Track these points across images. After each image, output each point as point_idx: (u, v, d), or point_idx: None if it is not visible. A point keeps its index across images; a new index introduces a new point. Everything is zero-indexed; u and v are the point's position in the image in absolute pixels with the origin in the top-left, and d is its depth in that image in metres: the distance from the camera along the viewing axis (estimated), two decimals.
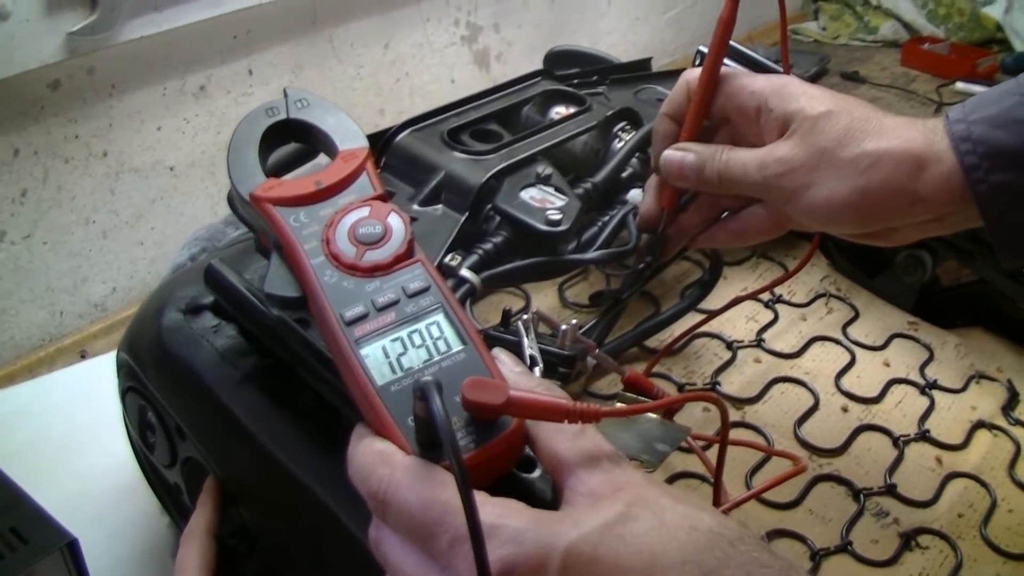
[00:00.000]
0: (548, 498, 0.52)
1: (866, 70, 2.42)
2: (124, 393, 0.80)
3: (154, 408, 0.76)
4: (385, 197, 0.58)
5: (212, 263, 0.69)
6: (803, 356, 0.95)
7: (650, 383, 0.73)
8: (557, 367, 0.67)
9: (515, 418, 0.49)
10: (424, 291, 0.54)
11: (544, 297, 0.98)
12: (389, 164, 0.86)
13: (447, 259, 0.73)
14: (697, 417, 0.84)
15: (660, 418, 0.69)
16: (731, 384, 0.90)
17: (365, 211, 0.56)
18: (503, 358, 0.55)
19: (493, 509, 0.45)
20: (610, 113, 0.91)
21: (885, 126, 0.62)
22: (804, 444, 0.85)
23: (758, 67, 0.96)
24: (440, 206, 0.80)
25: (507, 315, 0.69)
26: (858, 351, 0.96)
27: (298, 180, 0.58)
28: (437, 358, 0.51)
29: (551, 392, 0.52)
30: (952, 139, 0.60)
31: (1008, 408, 0.92)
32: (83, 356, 1.36)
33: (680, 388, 0.88)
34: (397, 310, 0.53)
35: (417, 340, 0.52)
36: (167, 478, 0.83)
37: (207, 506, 0.70)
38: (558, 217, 0.76)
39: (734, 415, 0.87)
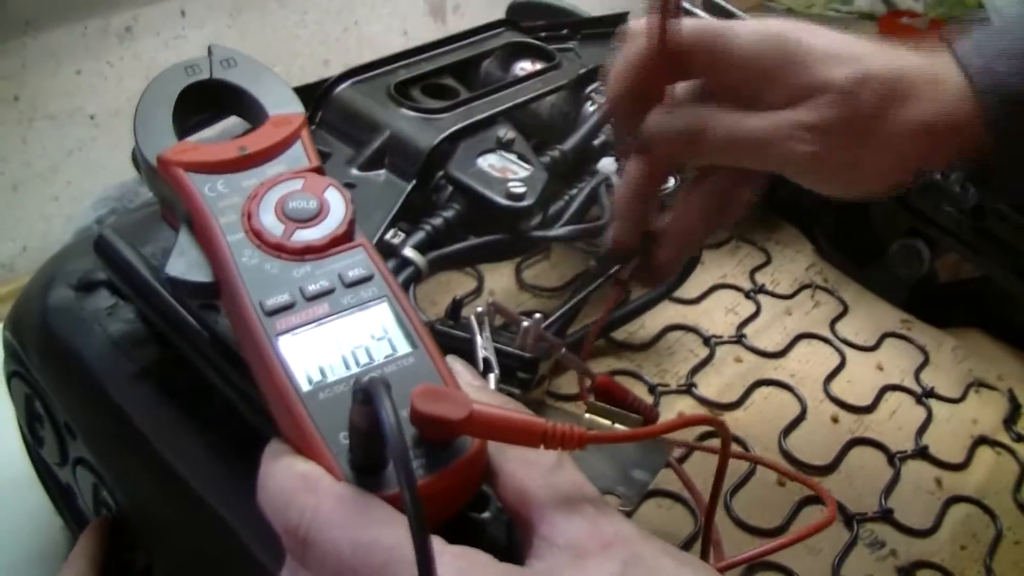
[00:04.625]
0: (504, 546, 0.42)
1: None
2: (9, 378, 0.69)
3: (41, 399, 0.65)
4: (322, 170, 0.49)
5: (103, 232, 0.58)
6: (788, 356, 0.84)
7: (625, 390, 0.61)
8: (516, 372, 0.55)
9: (476, 441, 0.39)
10: (366, 280, 0.44)
11: (500, 277, 0.86)
12: (326, 121, 0.75)
13: (388, 235, 0.62)
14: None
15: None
16: (708, 386, 0.79)
17: (297, 184, 0.47)
18: (458, 368, 0.45)
19: (453, 561, 0.35)
20: (582, 71, 0.80)
21: (914, 84, 0.53)
22: (791, 459, 0.74)
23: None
24: (383, 171, 0.70)
25: (456, 305, 0.58)
26: (848, 352, 0.86)
27: (217, 144, 0.48)
28: (379, 361, 0.41)
29: (519, 410, 0.41)
30: (976, 84, 0.52)
31: (1010, 422, 0.83)
32: None
33: (652, 389, 0.77)
34: (331, 301, 0.43)
35: (355, 339, 0.42)
36: (59, 477, 0.71)
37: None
38: (521, 190, 0.65)
39: None
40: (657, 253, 0.61)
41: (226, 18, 1.41)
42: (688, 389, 0.78)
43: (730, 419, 0.77)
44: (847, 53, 0.53)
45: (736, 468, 0.72)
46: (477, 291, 0.83)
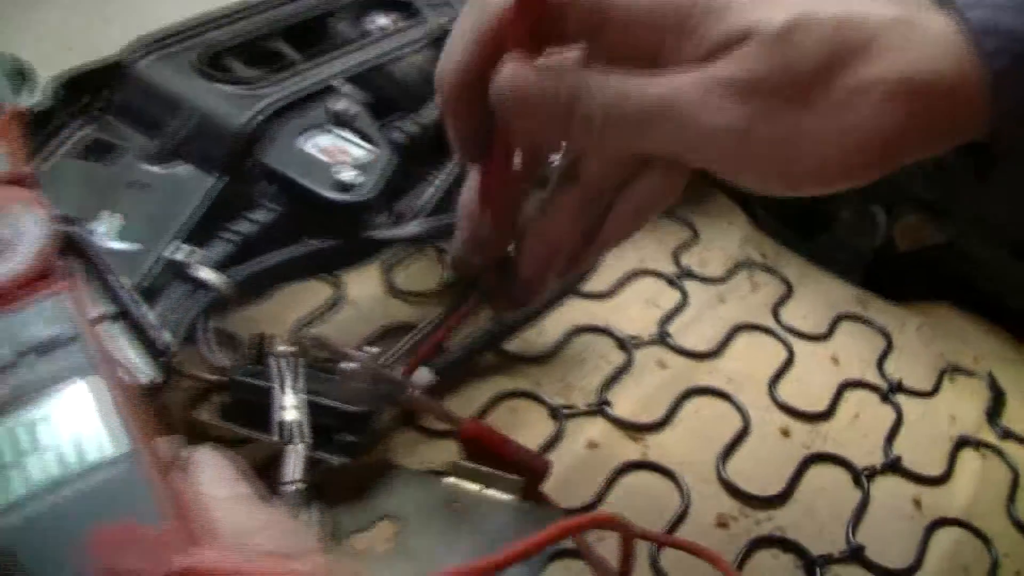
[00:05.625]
0: None
1: None
2: None
3: None
4: (23, 180, 0.35)
5: None
6: (723, 355, 0.70)
7: (502, 439, 0.46)
8: (333, 435, 0.40)
9: None
10: (65, 344, 0.29)
11: (364, 281, 0.70)
12: (123, 106, 0.59)
13: (170, 250, 0.46)
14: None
15: (516, 499, 0.43)
16: (626, 402, 0.64)
17: None
18: (209, 470, 0.29)
19: None
20: (447, 22, 0.65)
21: (880, 30, 0.37)
22: (733, 491, 0.60)
23: None
24: (186, 165, 0.54)
25: (258, 344, 0.42)
26: (796, 343, 0.71)
27: None
28: (73, 472, 0.27)
29: (296, 542, 0.27)
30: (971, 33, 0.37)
31: (993, 413, 0.69)
32: None
33: (555, 413, 0.62)
34: (12, 378, 0.29)
35: (40, 439, 0.28)
36: None
37: None
38: (353, 178, 0.49)
39: (632, 449, 0.61)
40: (516, 272, 0.44)
41: None
42: (600, 409, 0.63)
43: (654, 443, 0.62)
44: None
45: (670, 504, 0.58)
46: (335, 301, 0.67)
